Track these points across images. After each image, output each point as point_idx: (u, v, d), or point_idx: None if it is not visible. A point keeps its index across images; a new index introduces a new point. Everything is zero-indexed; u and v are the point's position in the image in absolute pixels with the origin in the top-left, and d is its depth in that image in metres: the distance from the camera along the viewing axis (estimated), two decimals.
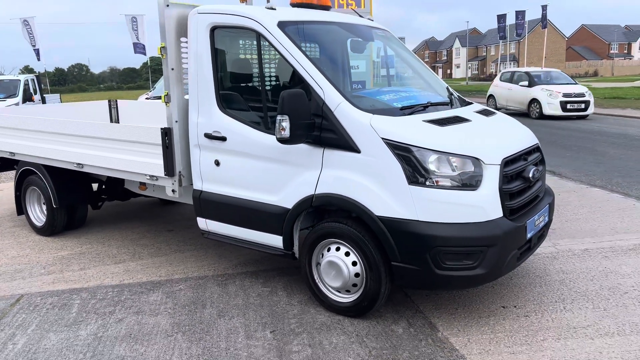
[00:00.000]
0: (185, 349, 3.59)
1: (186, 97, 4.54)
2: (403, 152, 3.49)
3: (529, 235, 3.79)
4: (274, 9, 4.21)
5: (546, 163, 4.51)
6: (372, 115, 3.66)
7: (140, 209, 7.41)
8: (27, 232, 6.42)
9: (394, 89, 4.99)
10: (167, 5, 4.35)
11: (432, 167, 3.47)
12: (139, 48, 27.45)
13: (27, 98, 17.79)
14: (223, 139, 4.26)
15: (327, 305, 4.04)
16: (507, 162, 3.68)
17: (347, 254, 3.83)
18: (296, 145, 3.83)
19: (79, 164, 5.46)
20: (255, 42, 4.15)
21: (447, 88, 4.80)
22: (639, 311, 3.94)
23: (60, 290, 4.66)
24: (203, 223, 4.62)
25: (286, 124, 3.59)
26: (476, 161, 3.51)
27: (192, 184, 4.63)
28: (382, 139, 3.55)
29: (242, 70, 4.58)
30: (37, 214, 6.39)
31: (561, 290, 4.34)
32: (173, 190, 4.68)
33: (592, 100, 18.20)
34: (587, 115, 18.31)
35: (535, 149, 4.27)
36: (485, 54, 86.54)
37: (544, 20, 42.41)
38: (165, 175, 4.61)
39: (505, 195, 3.59)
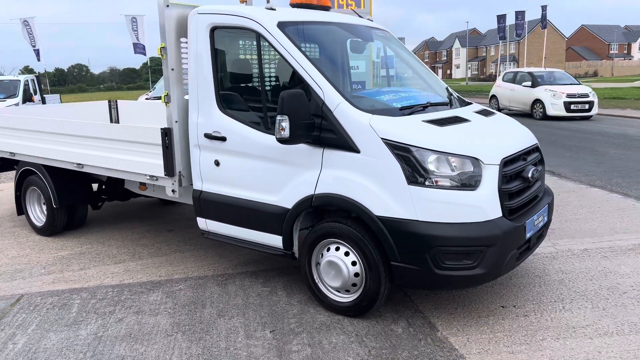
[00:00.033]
0: (185, 348, 3.60)
1: (186, 97, 4.54)
2: (402, 152, 3.50)
3: (528, 235, 3.80)
4: (274, 10, 4.22)
5: (546, 163, 4.53)
6: (371, 116, 3.67)
7: (140, 209, 7.42)
8: (27, 232, 6.43)
9: (393, 89, 5.00)
10: (167, 6, 4.36)
11: (431, 167, 3.48)
12: (139, 48, 27.46)
13: (27, 98, 17.81)
14: (223, 139, 4.27)
15: (327, 305, 4.05)
16: (507, 162, 3.69)
17: (346, 253, 3.84)
18: (296, 146, 3.84)
19: (79, 164, 5.47)
20: (255, 43, 4.16)
21: (447, 88, 4.81)
22: (637, 311, 3.95)
23: (60, 290, 4.67)
24: (203, 223, 4.63)
25: (286, 124, 3.59)
26: (475, 161, 3.52)
27: (192, 184, 4.64)
28: (382, 139, 3.55)
29: (242, 71, 4.59)
30: (37, 214, 6.40)
31: (560, 290, 4.35)
32: (173, 191, 4.68)
33: (596, 100, 18.02)
34: (591, 116, 18.13)
35: (535, 149, 4.27)
36: (485, 54, 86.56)
37: (543, 21, 42.42)
38: (165, 175, 4.62)
39: (505, 195, 3.59)
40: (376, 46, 5.36)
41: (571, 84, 18.81)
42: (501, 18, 43.90)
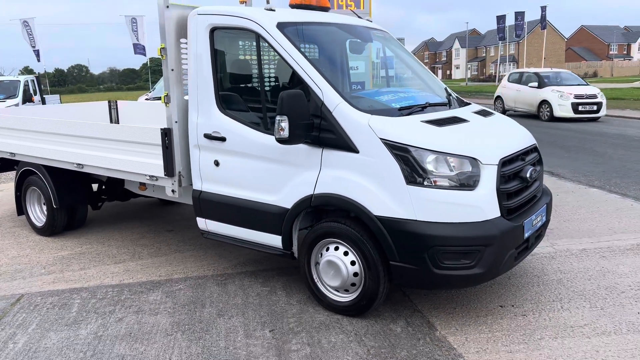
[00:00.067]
0: (185, 347, 3.62)
1: (186, 97, 4.56)
2: (401, 152, 3.52)
3: (526, 235, 3.82)
4: (273, 10, 4.24)
5: (545, 164, 4.54)
6: (370, 116, 3.69)
7: (140, 210, 7.44)
8: (27, 232, 6.45)
9: (392, 89, 5.02)
10: (167, 7, 4.37)
11: (430, 167, 3.49)
12: (139, 49, 27.50)
13: (27, 99, 17.82)
14: (222, 139, 4.28)
15: (326, 305, 4.07)
16: (505, 162, 3.71)
17: (345, 253, 3.86)
18: (295, 146, 3.86)
19: (79, 164, 5.49)
20: (254, 43, 4.18)
21: (446, 89, 4.83)
22: (635, 310, 3.96)
23: (60, 289, 4.69)
24: (202, 223, 4.64)
25: (285, 125, 3.61)
26: (474, 161, 3.54)
27: (191, 184, 4.66)
28: (380, 139, 3.57)
29: (241, 71, 4.61)
30: (37, 214, 6.41)
31: (559, 289, 4.36)
32: (173, 191, 4.70)
33: (604, 101, 17.61)
34: (599, 118, 17.70)
35: (533, 149, 4.29)
36: (484, 54, 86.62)
37: (543, 21, 42.50)
38: (165, 175, 4.64)
39: (503, 195, 3.61)
40: (375, 47, 5.38)
41: (579, 85, 18.37)
42: (501, 19, 43.99)
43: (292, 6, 4.73)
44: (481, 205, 3.51)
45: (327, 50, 4.63)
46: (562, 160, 10.40)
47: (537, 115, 18.29)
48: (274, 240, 4.18)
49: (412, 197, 3.48)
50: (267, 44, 4.04)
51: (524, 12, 42.05)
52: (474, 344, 3.55)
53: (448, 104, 4.48)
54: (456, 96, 4.78)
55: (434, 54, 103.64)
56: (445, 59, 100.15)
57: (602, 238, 5.61)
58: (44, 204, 6.18)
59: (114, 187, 6.26)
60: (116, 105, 7.92)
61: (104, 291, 4.62)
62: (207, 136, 4.35)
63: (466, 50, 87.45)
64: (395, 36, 5.41)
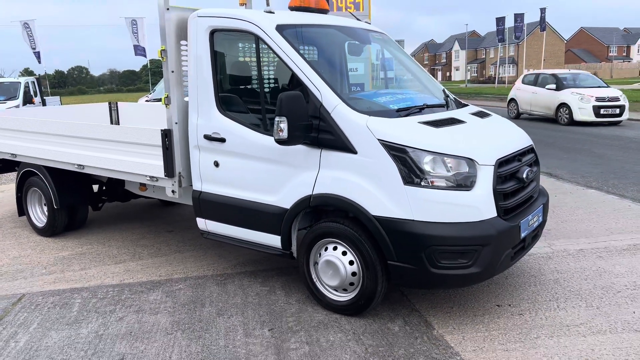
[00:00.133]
0: (185, 346, 3.65)
1: (186, 99, 4.60)
2: (399, 153, 3.56)
3: (522, 235, 3.86)
4: (273, 13, 4.28)
5: (543, 165, 4.58)
6: (368, 117, 3.73)
7: (140, 210, 7.48)
8: (28, 233, 6.49)
9: (390, 91, 5.06)
10: (168, 9, 4.42)
11: (427, 167, 3.53)
12: (140, 50, 27.58)
13: (28, 100, 17.86)
14: (222, 140, 4.33)
15: (325, 304, 4.10)
16: (501, 163, 3.75)
17: (344, 253, 3.89)
18: (294, 147, 3.90)
19: (79, 165, 5.53)
20: (254, 45, 4.22)
21: (443, 90, 4.87)
22: (631, 309, 4.00)
23: (61, 289, 4.72)
24: (202, 223, 4.68)
25: (284, 126, 3.65)
26: (470, 162, 3.58)
27: (191, 185, 4.70)
28: (378, 140, 3.61)
29: (241, 73, 4.66)
30: (38, 215, 6.45)
31: (555, 289, 4.40)
32: (173, 191, 4.74)
33: (627, 104, 16.65)
34: (621, 121, 16.78)
35: (530, 150, 4.33)
36: (484, 56, 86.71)
37: (542, 23, 42.62)
38: (165, 176, 4.68)
39: (499, 196, 3.65)
40: (374, 49, 5.43)
41: (599, 87, 17.38)
42: (500, 20, 44.10)
43: (291, 8, 4.77)
44: (478, 205, 3.55)
45: (325, 52, 4.68)
46: (560, 161, 10.45)
47: (555, 119, 17.45)
48: (273, 241, 4.22)
49: (410, 197, 3.52)
50: (266, 46, 4.08)
51: (523, 13, 42.20)
52: (470, 343, 3.59)
53: (445, 105, 4.53)
54: (454, 97, 4.82)
55: (433, 56, 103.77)
56: (444, 60, 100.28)
57: (599, 238, 5.65)
58: (45, 205, 6.22)
59: (115, 188, 6.30)
60: (116, 106, 7.97)
61: (104, 291, 4.66)
62: (207, 137, 4.39)
63: (466, 52, 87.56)
64: (394, 38, 5.45)
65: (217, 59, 4.37)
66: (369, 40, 5.12)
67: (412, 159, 3.53)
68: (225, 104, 4.36)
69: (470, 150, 3.64)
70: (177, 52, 4.56)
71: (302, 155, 3.93)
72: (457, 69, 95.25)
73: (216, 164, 4.42)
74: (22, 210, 6.56)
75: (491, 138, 4.08)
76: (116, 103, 8.06)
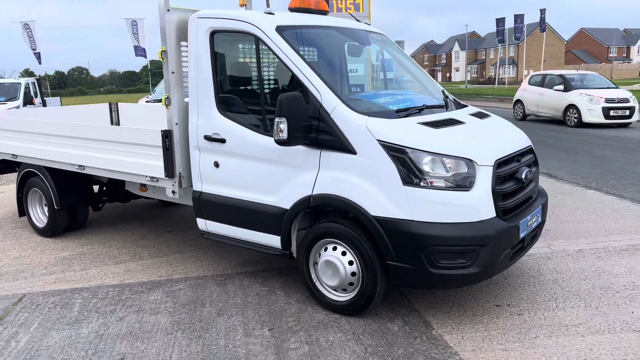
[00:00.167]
0: (185, 346, 3.67)
1: (186, 100, 4.62)
2: (398, 154, 3.57)
3: (521, 235, 3.87)
4: (273, 14, 4.30)
5: (543, 166, 4.59)
6: (367, 118, 3.74)
7: (140, 211, 7.49)
8: (28, 234, 6.50)
9: (390, 92, 5.08)
10: (168, 10, 4.44)
11: (426, 168, 3.55)
12: (140, 51, 27.62)
13: (28, 101, 17.86)
14: (222, 141, 4.34)
15: (324, 304, 4.12)
16: (500, 164, 3.76)
17: (343, 253, 3.91)
18: (294, 147, 3.91)
19: (80, 165, 5.54)
20: (254, 46, 4.23)
21: (443, 91, 4.88)
22: (629, 309, 4.02)
23: (61, 289, 4.74)
24: (202, 224, 4.70)
25: (284, 126, 3.67)
26: (469, 162, 3.59)
27: (191, 186, 4.71)
28: (378, 140, 3.63)
29: (241, 74, 4.68)
30: (39, 215, 6.46)
31: (554, 289, 4.42)
32: (173, 192, 4.76)
33: (637, 105, 16.20)
34: (630, 123, 16.33)
35: (529, 150, 4.35)
36: (484, 57, 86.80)
37: (542, 24, 42.66)
38: (165, 176, 4.69)
39: (498, 196, 3.67)
40: (374, 50, 5.44)
41: (608, 88, 16.95)
42: (500, 21, 44.14)
43: (291, 10, 4.79)
44: (477, 205, 3.57)
45: (325, 53, 4.70)
46: (560, 162, 10.46)
47: (563, 121, 16.98)
48: (273, 241, 4.23)
49: (409, 197, 3.54)
50: (266, 47, 4.10)
51: (523, 14, 42.21)
52: (469, 343, 3.60)
53: (445, 106, 4.54)
54: (453, 98, 4.84)
55: (433, 57, 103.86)
56: (445, 61, 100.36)
57: (598, 239, 5.67)
58: (45, 205, 6.23)
59: (115, 189, 6.32)
60: (117, 107, 7.99)
61: (105, 291, 4.67)
62: (207, 138, 4.41)
63: (466, 53, 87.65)
64: (394, 39, 5.48)
65: (217, 59, 4.39)
66: (369, 41, 5.14)
67: (412, 159, 3.54)
68: (226, 105, 4.38)
69: (469, 151, 3.65)
70: (177, 53, 4.57)
71: (302, 155, 3.95)
72: (457, 70, 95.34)
73: (216, 165, 4.44)
74: (22, 210, 6.58)
75: (490, 139, 4.09)
76: (116, 104, 8.08)
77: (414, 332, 3.76)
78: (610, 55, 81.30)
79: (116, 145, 5.12)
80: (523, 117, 19.06)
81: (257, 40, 4.14)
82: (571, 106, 16.60)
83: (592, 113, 16.01)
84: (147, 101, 13.67)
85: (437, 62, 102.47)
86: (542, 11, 40.87)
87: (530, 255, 5.16)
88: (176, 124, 4.59)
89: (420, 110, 4.16)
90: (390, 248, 3.61)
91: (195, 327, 3.94)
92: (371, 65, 5.82)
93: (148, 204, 7.71)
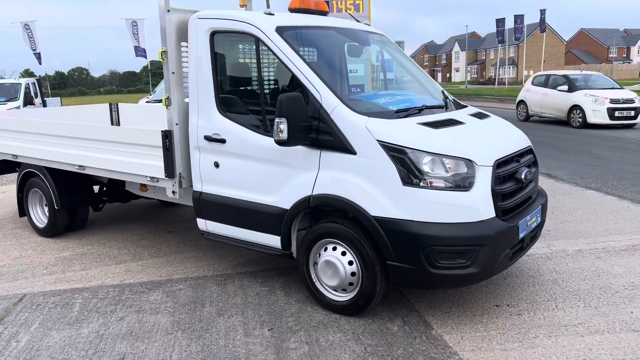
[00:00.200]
0: (185, 346, 3.67)
1: (186, 100, 4.63)
2: (398, 154, 3.58)
3: (521, 235, 3.88)
4: (273, 14, 4.31)
5: (543, 166, 4.60)
6: (367, 118, 3.75)
7: (140, 211, 7.50)
8: (29, 234, 6.51)
9: (390, 92, 5.09)
10: (168, 11, 4.45)
11: (426, 168, 3.56)
12: (140, 52, 27.63)
13: (28, 102, 17.87)
14: (222, 141, 4.35)
15: (324, 304, 4.12)
16: (500, 164, 3.77)
17: (343, 253, 3.92)
18: (294, 147, 3.92)
19: (80, 166, 5.55)
20: (254, 47, 4.24)
21: (442, 91, 4.89)
22: (629, 309, 4.02)
23: (62, 289, 4.75)
24: (203, 224, 4.70)
25: (284, 127, 3.68)
26: (469, 163, 3.60)
27: (191, 186, 4.72)
28: (378, 141, 3.64)
29: (241, 74, 4.69)
30: (39, 215, 6.47)
31: (554, 289, 4.42)
32: (173, 192, 4.76)
33: None
34: (636, 124, 16.11)
35: (528, 151, 4.35)
36: (484, 57, 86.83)
37: (542, 24, 42.69)
38: (165, 176, 4.70)
39: (498, 196, 3.67)
40: (374, 50, 5.45)
41: (613, 88, 16.78)
42: (500, 22, 44.16)
43: (291, 10, 4.80)
44: (476, 205, 3.57)
45: (325, 53, 4.70)
46: (559, 162, 10.47)
47: (567, 122, 16.73)
48: (273, 241, 4.24)
49: (409, 197, 3.55)
50: (266, 48, 4.11)
51: (523, 15, 42.25)
52: (469, 343, 3.61)
53: (444, 107, 4.55)
54: (452, 99, 4.85)
55: (433, 57, 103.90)
56: (445, 62, 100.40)
57: (597, 239, 5.67)
58: (46, 206, 6.24)
59: (115, 189, 6.33)
60: (117, 107, 8.00)
61: (105, 291, 4.68)
62: (208, 138, 4.42)
63: (466, 53, 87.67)
64: (394, 39, 5.49)
65: (217, 60, 4.40)
66: (369, 41, 5.15)
67: (411, 159, 3.55)
68: (226, 105, 4.39)
69: (469, 151, 3.66)
70: (177, 54, 4.58)
71: (302, 156, 3.96)
72: (457, 70, 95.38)
73: (216, 165, 4.45)
74: (23, 211, 6.59)
75: (490, 139, 4.10)
76: (117, 104, 8.09)
77: (414, 332, 3.77)
78: (610, 55, 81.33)
79: (116, 145, 5.13)
80: (526, 118, 18.86)
81: (257, 41, 4.15)
82: (575, 107, 16.42)
83: (597, 114, 15.82)
84: (147, 101, 13.68)
85: (437, 63, 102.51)
86: (542, 11, 40.91)
87: (530, 256, 5.17)
88: (176, 124, 4.60)
89: (420, 111, 4.17)
90: (389, 248, 3.62)
91: (196, 327, 3.95)
92: (371, 66, 5.83)
93: (148, 204, 7.72)
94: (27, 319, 4.18)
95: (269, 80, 4.83)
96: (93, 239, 6.24)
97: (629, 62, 77.84)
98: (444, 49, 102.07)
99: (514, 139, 4.29)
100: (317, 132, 3.84)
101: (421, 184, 3.55)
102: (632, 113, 15.88)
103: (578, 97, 16.36)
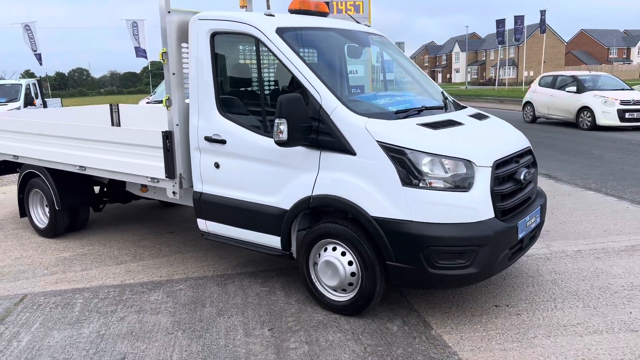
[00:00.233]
0: (186, 346, 3.69)
1: (187, 101, 4.64)
2: (397, 155, 3.60)
3: (520, 236, 3.89)
4: (273, 16, 4.33)
5: (542, 167, 4.61)
6: (367, 119, 3.77)
7: (141, 212, 7.52)
8: (29, 234, 6.52)
9: (390, 93, 5.11)
10: (169, 12, 4.46)
11: (425, 169, 3.57)
12: (141, 52, 27.67)
13: (29, 102, 17.88)
14: (223, 142, 4.37)
15: (324, 304, 4.14)
16: (499, 165, 3.78)
17: (343, 253, 3.93)
18: (294, 148, 3.94)
19: (81, 166, 5.57)
20: (254, 48, 4.26)
21: (442, 92, 4.91)
22: (627, 309, 4.04)
23: (63, 290, 4.76)
24: (203, 224, 4.72)
25: (284, 127, 3.70)
26: (468, 163, 3.62)
27: (192, 186, 4.74)
28: (377, 141, 3.65)
29: (241, 75, 4.70)
30: (40, 216, 6.48)
31: (553, 289, 4.44)
32: (174, 192, 4.78)
33: None
34: None
35: (527, 151, 4.37)
36: (484, 58, 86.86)
37: (542, 25, 42.71)
38: (166, 177, 4.72)
39: (497, 197, 3.69)
40: (373, 51, 5.47)
41: (622, 89, 16.43)
42: (500, 23, 44.17)
43: (291, 11, 4.81)
44: (475, 206, 3.59)
45: (325, 54, 4.72)
46: (559, 163, 10.48)
47: (576, 124, 16.35)
48: (273, 241, 4.26)
49: (408, 198, 3.56)
50: (266, 49, 4.13)
51: (523, 16, 42.26)
52: (468, 343, 3.63)
53: (444, 108, 4.57)
54: (452, 100, 4.86)
55: (434, 58, 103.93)
56: (445, 62, 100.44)
57: (597, 240, 5.69)
58: (47, 206, 6.25)
59: (116, 189, 6.35)
60: (117, 108, 8.01)
61: (105, 291, 4.70)
62: (208, 139, 4.43)
63: (466, 54, 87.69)
64: (394, 40, 5.51)
65: (217, 61, 4.42)
66: (368, 42, 5.17)
67: (411, 160, 3.57)
68: (226, 106, 4.40)
69: (468, 152, 3.68)
70: (178, 55, 4.60)
71: (302, 156, 3.97)
72: (457, 71, 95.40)
73: (217, 166, 4.46)
74: (23, 211, 6.60)
75: (489, 140, 4.12)
76: (117, 105, 8.11)
77: (413, 332, 3.79)
78: (610, 56, 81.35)
79: (117, 146, 5.15)
80: (533, 120, 18.53)
81: (258, 42, 4.16)
82: (584, 108, 16.00)
83: (606, 115, 15.44)
84: (147, 102, 13.70)
85: (437, 63, 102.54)
86: (542, 12, 40.92)
87: (529, 256, 5.18)
88: (177, 125, 4.62)
89: (419, 112, 4.18)
90: (389, 248, 3.63)
91: (196, 327, 3.97)
92: (371, 67, 5.85)
93: (149, 204, 7.74)
94: (28, 319, 4.19)
95: (269, 81, 4.84)
96: (94, 239, 6.26)
97: (629, 63, 77.84)
98: (444, 50, 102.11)
99: (513, 140, 4.31)
100: (317, 133, 3.86)
101: (420, 184, 3.56)
102: None
103: (587, 99, 15.98)
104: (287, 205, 4.08)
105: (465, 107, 4.81)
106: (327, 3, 5.18)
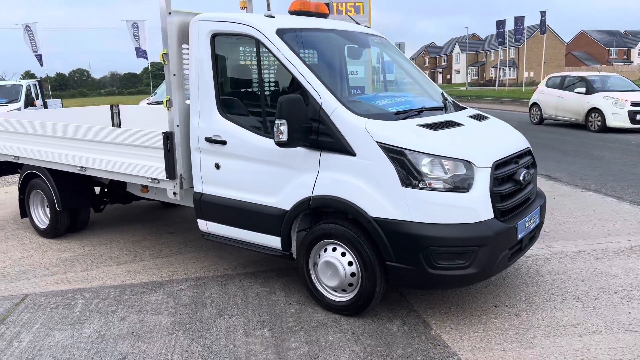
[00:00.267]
0: (186, 346, 3.70)
1: (187, 102, 4.66)
2: (397, 155, 3.61)
3: (519, 236, 3.90)
4: (273, 17, 4.34)
5: (542, 167, 4.62)
6: (367, 120, 3.78)
7: (141, 212, 7.53)
8: (30, 235, 6.54)
9: (389, 94, 5.12)
10: (170, 13, 4.48)
11: (425, 169, 3.59)
12: (141, 53, 27.70)
13: (29, 103, 17.91)
14: (223, 142, 4.38)
15: (324, 305, 4.15)
16: (498, 165, 3.80)
17: (343, 254, 3.94)
18: (294, 149, 3.95)
19: (82, 167, 5.58)
20: (254, 49, 4.27)
21: (442, 93, 4.92)
22: (627, 310, 4.05)
23: (63, 290, 4.77)
24: (203, 225, 4.73)
25: (284, 128, 3.71)
26: (467, 164, 3.63)
27: (192, 187, 4.75)
28: (377, 142, 3.66)
29: (241, 76, 4.72)
30: (41, 216, 6.50)
31: (552, 290, 4.45)
32: (174, 193, 4.79)
33: None
34: None
35: (527, 152, 4.38)
36: (485, 59, 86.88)
37: (542, 26, 42.75)
38: (166, 178, 4.73)
39: (496, 197, 3.70)
40: (374, 52, 5.48)
41: (633, 90, 16.13)
42: (500, 23, 44.20)
43: (292, 13, 4.83)
44: (475, 207, 3.60)
45: (325, 55, 4.73)
46: (559, 163, 10.49)
47: (585, 125, 16.05)
48: (273, 242, 4.27)
49: (408, 199, 3.58)
50: (266, 50, 4.14)
51: (523, 17, 42.28)
52: (468, 343, 3.64)
53: (444, 108, 4.58)
54: (452, 100, 4.87)
55: (434, 59, 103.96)
56: (445, 63, 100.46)
57: (596, 240, 5.70)
58: (47, 207, 6.27)
59: (116, 190, 6.36)
60: (118, 109, 8.03)
61: (106, 291, 4.71)
62: (208, 140, 4.45)
63: (466, 55, 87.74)
64: (395, 41, 5.54)
65: (218, 62, 4.43)
66: (368, 43, 5.18)
67: (410, 161, 3.58)
68: (226, 107, 4.42)
69: (468, 153, 3.69)
70: (178, 56, 4.62)
71: (302, 157, 3.99)
72: (457, 72, 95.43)
73: (217, 166, 4.48)
74: (24, 212, 6.62)
75: (488, 140, 4.13)
76: (118, 106, 8.12)
77: (413, 332, 3.80)
78: (610, 57, 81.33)
79: (118, 147, 5.16)
80: (540, 121, 18.23)
81: (258, 43, 4.18)
82: (594, 110, 15.67)
83: (617, 117, 15.11)
84: (148, 103, 13.71)
85: (437, 64, 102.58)
86: (543, 13, 40.96)
87: (529, 256, 5.20)
88: (177, 125, 4.63)
89: (419, 113, 4.20)
90: (389, 249, 3.65)
91: (196, 327, 3.98)
92: (371, 68, 5.87)
93: (149, 205, 7.75)
94: (29, 319, 4.21)
95: (269, 82, 4.86)
96: (94, 239, 6.27)
97: (630, 64, 77.79)
98: (445, 51, 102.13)
99: (512, 141, 4.32)
100: (317, 134, 3.87)
101: (420, 185, 3.58)
102: None
103: (597, 100, 15.65)
104: (287, 206, 4.10)
105: (465, 108, 4.82)
106: (327, 4, 5.19)
